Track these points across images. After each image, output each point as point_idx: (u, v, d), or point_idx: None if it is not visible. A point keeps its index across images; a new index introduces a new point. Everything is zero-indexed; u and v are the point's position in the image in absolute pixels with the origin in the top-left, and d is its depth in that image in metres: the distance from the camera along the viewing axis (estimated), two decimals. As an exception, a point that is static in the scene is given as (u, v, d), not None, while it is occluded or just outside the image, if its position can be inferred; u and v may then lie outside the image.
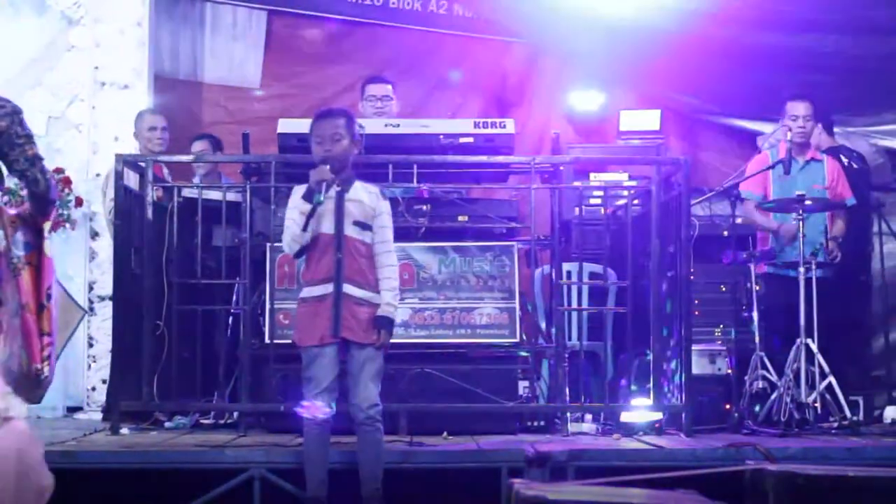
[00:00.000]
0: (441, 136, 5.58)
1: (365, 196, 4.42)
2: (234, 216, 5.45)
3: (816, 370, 5.56)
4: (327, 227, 4.35)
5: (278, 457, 4.61)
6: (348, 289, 4.31)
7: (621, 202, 6.33)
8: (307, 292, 4.40)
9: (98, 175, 6.96)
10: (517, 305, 5.42)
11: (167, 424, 5.67)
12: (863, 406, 6.16)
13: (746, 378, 5.78)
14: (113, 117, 7.18)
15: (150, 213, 5.42)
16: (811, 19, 7.32)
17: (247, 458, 4.61)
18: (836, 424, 5.49)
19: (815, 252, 5.79)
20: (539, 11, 7.78)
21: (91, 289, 7.07)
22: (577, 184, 6.07)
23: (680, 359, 5.33)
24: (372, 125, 5.40)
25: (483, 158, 5.52)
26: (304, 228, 4.29)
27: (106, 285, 6.62)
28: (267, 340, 5.32)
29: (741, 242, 6.33)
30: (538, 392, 5.66)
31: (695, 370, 5.45)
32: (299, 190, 4.40)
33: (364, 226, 4.39)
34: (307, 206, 4.28)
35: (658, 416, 5.37)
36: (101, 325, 6.89)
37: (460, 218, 5.55)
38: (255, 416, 5.48)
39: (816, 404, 5.52)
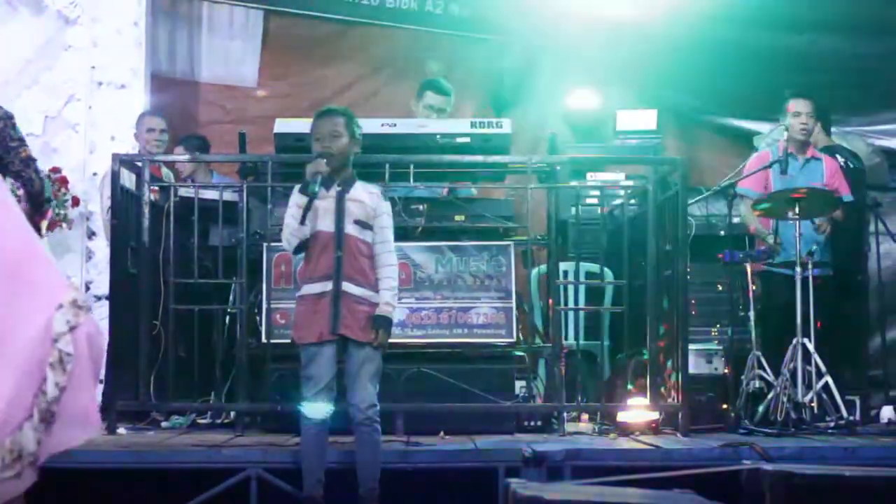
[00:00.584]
0: (438, 136, 5.59)
1: (366, 196, 4.44)
2: (231, 216, 5.45)
3: (813, 370, 5.57)
4: (327, 224, 4.36)
5: (275, 456, 4.61)
6: (348, 287, 4.32)
7: (618, 202, 6.33)
8: (306, 289, 4.40)
9: (95, 175, 6.96)
10: (514, 305, 5.42)
11: (164, 424, 5.67)
12: (859, 406, 6.17)
13: (743, 378, 5.78)
14: (110, 117, 7.18)
15: (146, 212, 5.41)
16: (808, 19, 7.34)
17: (244, 458, 4.60)
18: (832, 424, 5.48)
19: (811, 252, 5.79)
20: (535, 11, 7.78)
21: (88, 288, 7.06)
22: (573, 183, 6.07)
23: (676, 358, 5.34)
24: (368, 125, 5.39)
25: (480, 158, 5.53)
26: (302, 222, 4.30)
27: (102, 285, 6.62)
28: (264, 340, 5.32)
29: (738, 242, 6.33)
30: (535, 392, 5.66)
31: (691, 370, 5.45)
32: (299, 187, 4.41)
33: (364, 225, 4.40)
34: (304, 200, 4.30)
35: (655, 415, 5.37)
36: (98, 324, 6.87)
37: (457, 218, 5.56)
38: (252, 415, 5.47)
39: (813, 404, 5.52)
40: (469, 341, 5.40)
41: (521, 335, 5.52)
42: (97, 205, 6.78)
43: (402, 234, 5.19)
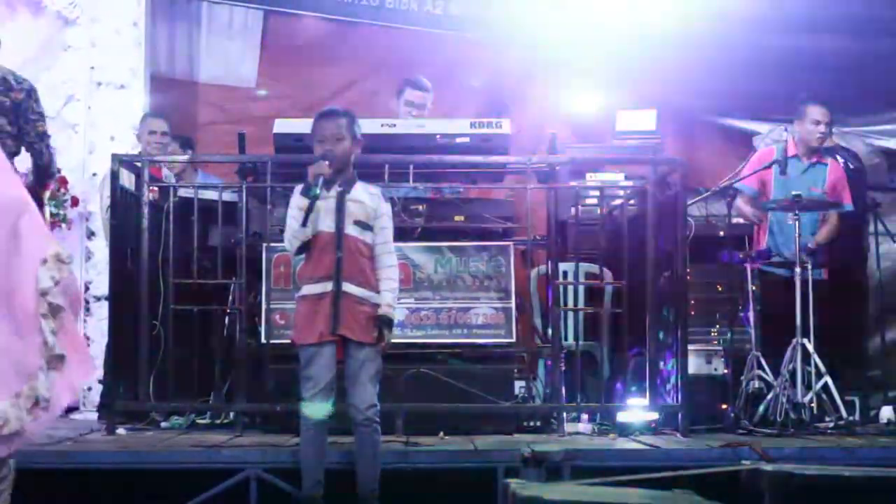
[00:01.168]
0: (437, 136, 5.59)
1: (366, 197, 4.44)
2: (231, 216, 5.44)
3: (812, 370, 5.57)
4: (328, 225, 4.35)
5: (275, 457, 4.61)
6: (348, 287, 4.31)
7: (618, 202, 6.33)
8: (307, 290, 4.39)
9: (94, 175, 6.96)
10: (513, 305, 5.42)
11: (163, 424, 5.66)
12: (859, 406, 6.17)
13: (743, 378, 5.78)
14: (109, 117, 7.18)
15: (146, 212, 5.41)
16: (808, 20, 7.35)
17: (243, 458, 4.60)
18: (831, 425, 5.49)
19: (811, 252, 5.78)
20: (535, 11, 7.78)
21: (87, 289, 7.06)
22: (573, 184, 6.07)
23: (676, 359, 5.34)
24: (368, 125, 5.39)
25: (479, 158, 5.53)
26: (304, 224, 4.30)
27: (102, 285, 6.62)
28: (263, 340, 5.31)
29: (738, 242, 6.33)
30: (534, 392, 5.66)
31: (691, 370, 5.45)
32: (300, 189, 4.41)
33: (365, 226, 4.39)
34: (305, 202, 4.29)
35: (654, 416, 5.37)
36: (98, 325, 6.87)
37: (456, 218, 5.55)
38: (252, 416, 5.47)
39: (812, 404, 5.53)
40: (469, 342, 5.40)
41: (520, 336, 5.52)
42: (96, 205, 6.78)
43: (401, 234, 5.19)
